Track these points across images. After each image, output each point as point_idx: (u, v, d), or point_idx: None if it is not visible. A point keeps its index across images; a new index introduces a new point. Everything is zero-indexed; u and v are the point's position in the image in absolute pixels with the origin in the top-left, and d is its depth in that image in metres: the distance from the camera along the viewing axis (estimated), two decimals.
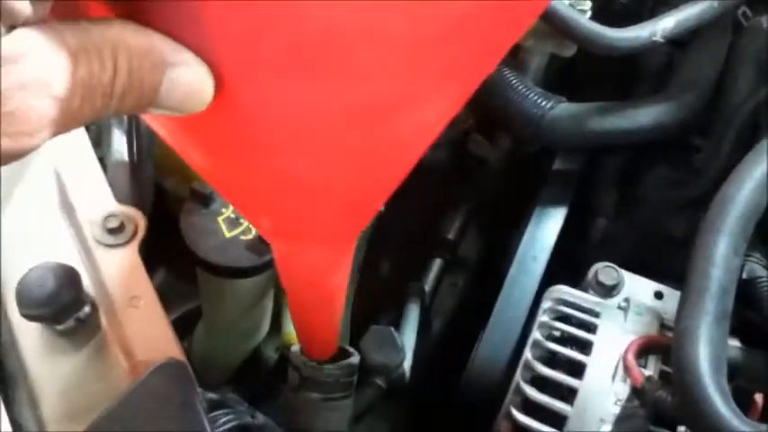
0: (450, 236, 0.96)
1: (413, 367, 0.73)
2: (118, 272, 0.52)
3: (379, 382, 0.65)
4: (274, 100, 0.29)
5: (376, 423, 0.77)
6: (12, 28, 0.21)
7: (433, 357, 0.87)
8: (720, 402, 0.48)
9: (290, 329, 0.73)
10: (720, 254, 0.54)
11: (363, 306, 0.82)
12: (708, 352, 0.51)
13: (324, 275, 0.45)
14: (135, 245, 0.53)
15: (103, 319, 0.49)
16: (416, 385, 0.76)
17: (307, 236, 0.41)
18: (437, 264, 0.95)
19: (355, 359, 0.52)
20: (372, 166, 0.37)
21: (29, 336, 0.49)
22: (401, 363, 0.55)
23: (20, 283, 0.46)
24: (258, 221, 0.43)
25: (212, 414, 0.45)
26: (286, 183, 0.36)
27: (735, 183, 0.58)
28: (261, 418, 0.48)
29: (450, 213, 0.96)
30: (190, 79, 0.25)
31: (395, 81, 0.30)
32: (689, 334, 0.52)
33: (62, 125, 0.22)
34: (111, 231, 0.53)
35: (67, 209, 0.54)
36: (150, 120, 0.34)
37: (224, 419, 0.45)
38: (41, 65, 0.21)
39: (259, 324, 0.72)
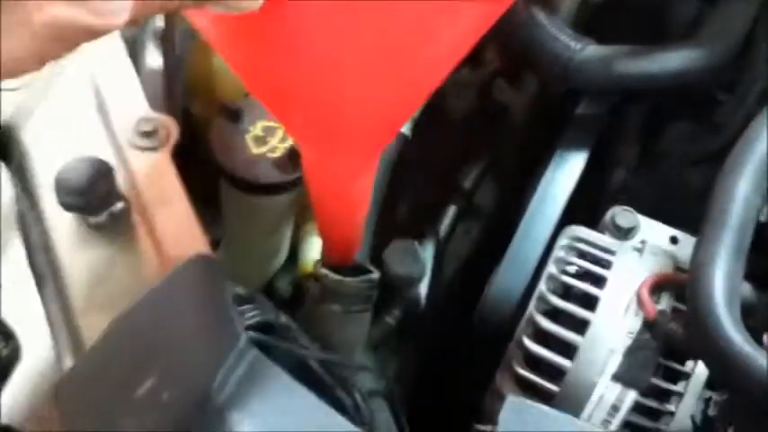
0: (467, 184, 0.97)
1: (425, 309, 0.75)
2: (150, 174, 0.53)
3: (395, 315, 0.67)
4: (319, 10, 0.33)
5: (388, 356, 0.79)
6: None
7: (445, 302, 0.89)
8: (734, 330, 0.49)
9: (306, 257, 0.75)
10: (741, 191, 0.55)
11: (379, 246, 0.83)
12: (723, 284, 0.52)
13: (348, 183, 0.47)
14: (167, 150, 0.54)
15: (135, 216, 0.50)
16: (429, 326, 0.78)
17: (336, 141, 0.44)
18: (452, 210, 0.96)
19: (375, 275, 0.54)
20: (398, 83, 0.41)
21: (62, 229, 0.50)
22: (422, 276, 0.56)
23: (59, 172, 0.47)
24: (292, 124, 0.45)
25: (240, 308, 0.46)
26: (323, 87, 0.39)
27: (756, 128, 0.59)
28: (284, 319, 0.49)
29: (469, 161, 0.96)
30: None
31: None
32: (705, 265, 0.52)
33: (139, 10, 0.24)
34: (145, 135, 0.54)
35: (103, 112, 0.55)
36: (198, 17, 0.36)
37: (251, 314, 0.46)
38: None
39: (278, 248, 0.73)
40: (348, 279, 0.52)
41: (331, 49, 0.37)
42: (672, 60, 0.69)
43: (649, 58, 0.70)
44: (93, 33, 0.23)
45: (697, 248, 0.55)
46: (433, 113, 0.94)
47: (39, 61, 0.24)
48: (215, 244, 0.80)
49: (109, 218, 0.49)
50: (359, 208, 0.48)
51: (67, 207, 0.47)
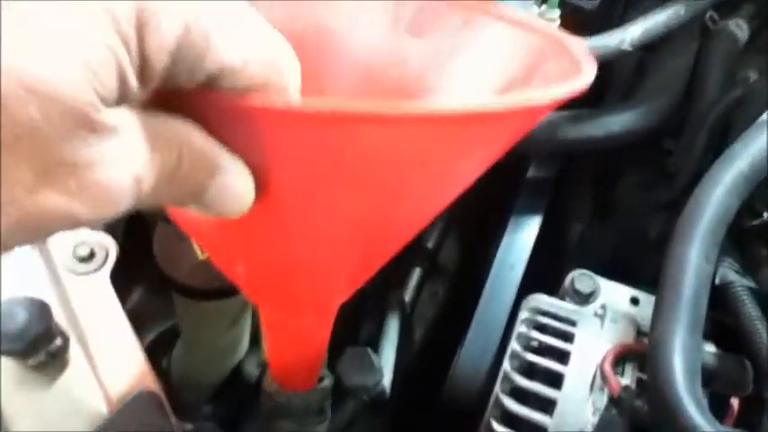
0: (430, 244, 0.97)
1: (394, 379, 0.74)
2: (89, 301, 0.51)
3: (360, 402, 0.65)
4: (306, 207, 0.31)
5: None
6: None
7: (415, 368, 0.87)
8: (695, 412, 0.49)
9: None
10: (692, 262, 0.55)
11: (344, 316, 0.82)
12: (681, 361, 0.51)
13: (307, 336, 0.47)
14: (106, 271, 0.52)
15: (75, 351, 0.49)
16: (398, 396, 0.77)
17: (296, 306, 0.44)
18: (417, 273, 0.95)
19: (328, 382, 0.52)
20: (369, 254, 0.40)
21: (1, 371, 0.48)
22: (379, 382, 0.54)
23: None
24: (254, 291, 0.44)
25: None
26: (291, 268, 0.38)
27: (704, 189, 0.59)
28: None
29: None
30: (237, 187, 0.26)
31: (418, 195, 0.33)
32: (662, 343, 0.52)
33: (132, 203, 0.22)
34: (82, 260, 0.52)
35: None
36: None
37: None
38: (130, 143, 0.21)
39: (239, 341, 0.72)
40: (298, 394, 0.50)
41: (309, 234, 0.35)
42: (614, 123, 0.70)
43: (592, 122, 0.70)
44: (83, 223, 0.21)
45: (653, 324, 0.55)
46: None
47: (4, 248, 0.21)
48: (172, 333, 0.78)
49: (47, 356, 0.47)
50: (315, 355, 0.48)
51: (5, 353, 0.45)
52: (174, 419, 0.44)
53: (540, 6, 0.71)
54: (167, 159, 0.23)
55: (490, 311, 0.71)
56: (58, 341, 0.48)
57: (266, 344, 0.49)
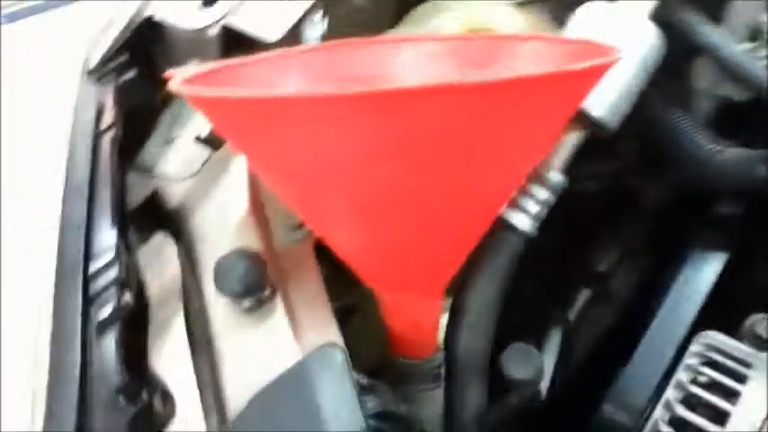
0: (602, 267, 0.96)
1: (549, 394, 0.75)
2: (294, 264, 0.60)
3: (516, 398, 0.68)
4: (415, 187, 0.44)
5: None
6: None
7: (571, 391, 0.88)
8: None
9: None
10: None
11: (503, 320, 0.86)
12: None
13: (419, 316, 0.58)
14: (310, 242, 0.60)
15: (279, 302, 0.57)
16: (551, 412, 0.78)
17: (404, 287, 0.55)
18: (584, 294, 0.95)
19: (441, 354, 0.60)
20: (458, 226, 0.51)
21: (217, 308, 0.57)
22: (539, 382, 0.57)
23: (219, 262, 0.55)
24: (366, 274, 0.55)
25: (361, 397, 0.50)
26: (388, 238, 0.50)
27: None
28: (404, 409, 0.53)
29: (602, 245, 0.96)
30: None
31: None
32: None
33: None
34: (293, 228, 0.61)
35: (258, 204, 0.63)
36: None
37: (372, 403, 0.50)
38: None
39: None
40: (417, 362, 0.59)
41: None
42: None
43: None
44: None
45: None
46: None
47: None
48: (349, 310, 0.86)
49: (257, 303, 0.55)
50: (428, 330, 0.57)
51: (223, 292, 0.54)
52: (353, 372, 0.50)
53: (749, 43, 0.69)
54: None
55: (658, 341, 0.70)
56: (267, 291, 0.56)
57: (388, 324, 0.58)
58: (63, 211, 0.60)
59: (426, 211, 0.48)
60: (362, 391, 0.52)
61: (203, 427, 0.52)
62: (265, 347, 0.55)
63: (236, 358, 0.55)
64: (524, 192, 0.65)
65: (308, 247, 0.60)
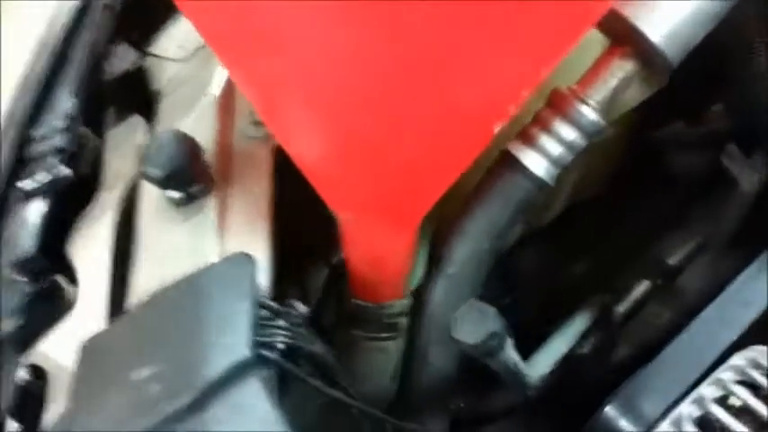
0: (672, 261, 0.81)
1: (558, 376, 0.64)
2: (246, 165, 0.52)
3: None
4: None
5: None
6: None
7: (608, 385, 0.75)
8: None
9: None
10: None
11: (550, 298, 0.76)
12: None
13: (381, 248, 0.47)
14: (270, 144, 0.52)
15: (213, 201, 0.49)
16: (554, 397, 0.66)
17: (371, 207, 0.45)
18: (643, 286, 0.80)
19: (401, 303, 0.50)
20: (438, 138, 0.40)
21: (148, 197, 0.51)
22: (491, 349, 0.45)
23: (147, 144, 0.48)
24: (328, 190, 0.45)
25: (266, 324, 0.42)
26: (355, 144, 0.41)
27: None
28: (320, 348, 0.44)
29: (677, 233, 0.80)
30: None
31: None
32: None
33: None
34: (256, 124, 0.53)
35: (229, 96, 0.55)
36: None
37: (280, 333, 0.42)
38: None
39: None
40: (370, 305, 0.49)
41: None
42: None
43: None
44: None
45: None
46: (644, 167, 0.81)
47: None
48: None
49: (185, 197, 0.48)
50: (393, 272, 0.47)
51: (147, 178, 0.47)
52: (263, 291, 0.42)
53: None
54: None
55: (694, 345, 0.56)
56: (199, 186, 0.49)
57: (346, 254, 0.48)
58: (27, 66, 0.56)
59: (396, 109, 0.39)
60: (271, 317, 0.43)
61: (104, 317, 0.47)
62: (184, 245, 0.48)
63: (154, 251, 0.49)
64: (546, 127, 0.52)
65: (266, 153, 0.52)
